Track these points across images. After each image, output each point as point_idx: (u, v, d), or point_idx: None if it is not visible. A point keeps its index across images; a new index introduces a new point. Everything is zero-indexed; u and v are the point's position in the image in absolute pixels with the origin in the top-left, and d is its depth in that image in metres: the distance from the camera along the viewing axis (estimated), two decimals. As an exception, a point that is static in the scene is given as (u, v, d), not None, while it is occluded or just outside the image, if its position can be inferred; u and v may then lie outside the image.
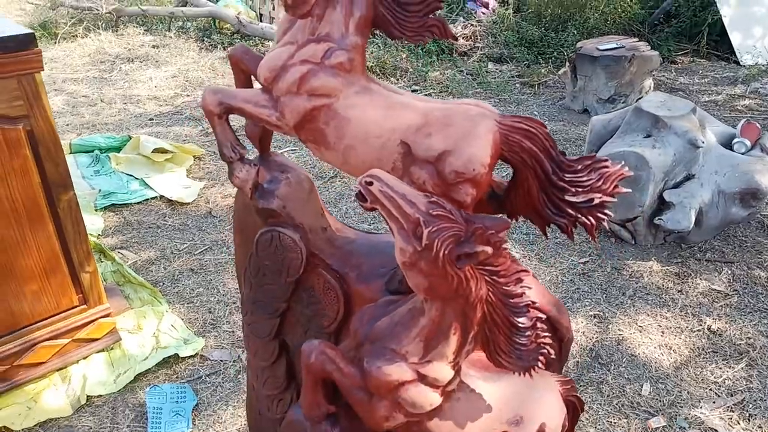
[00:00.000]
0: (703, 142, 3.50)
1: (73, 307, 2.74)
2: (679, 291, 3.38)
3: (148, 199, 4.33)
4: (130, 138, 4.95)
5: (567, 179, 0.93)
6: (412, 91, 6.34)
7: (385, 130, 0.92)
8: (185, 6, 8.62)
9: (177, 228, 4.03)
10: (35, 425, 2.54)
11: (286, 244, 1.06)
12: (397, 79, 6.59)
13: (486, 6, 8.36)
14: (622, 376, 2.84)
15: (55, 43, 7.88)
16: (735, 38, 6.75)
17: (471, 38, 7.61)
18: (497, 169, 1.02)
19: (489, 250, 0.76)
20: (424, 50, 7.15)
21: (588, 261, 3.65)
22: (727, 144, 3.78)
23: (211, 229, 4.01)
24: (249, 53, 1.13)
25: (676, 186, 3.59)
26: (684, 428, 2.57)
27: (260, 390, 1.21)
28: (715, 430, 2.56)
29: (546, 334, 0.84)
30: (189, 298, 3.34)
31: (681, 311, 3.23)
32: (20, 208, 2.48)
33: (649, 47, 5.78)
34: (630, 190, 0.98)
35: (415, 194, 0.80)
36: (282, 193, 1.07)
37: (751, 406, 2.67)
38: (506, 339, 0.83)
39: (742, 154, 3.70)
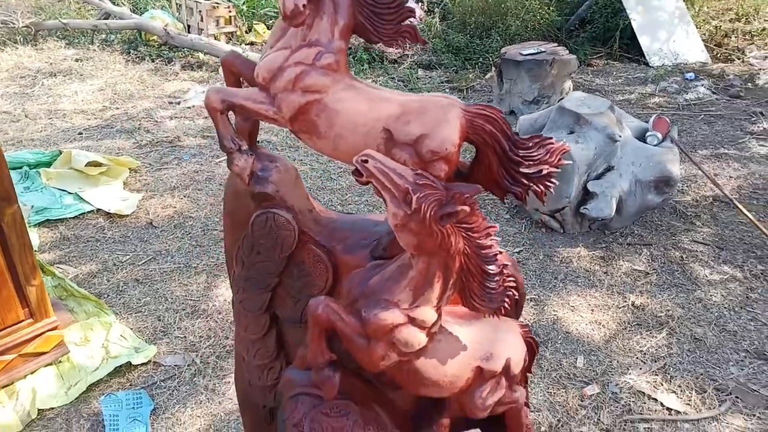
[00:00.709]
0: (620, 136, 3.82)
1: (19, 322, 2.70)
2: (605, 272, 3.66)
3: (84, 213, 4.26)
4: (61, 153, 4.84)
5: (521, 155, 1.10)
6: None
7: (369, 120, 1.08)
8: (108, 18, 8.44)
9: (117, 240, 3.98)
10: (-15, 442, 2.49)
11: (280, 223, 1.19)
12: (331, 87, 6.70)
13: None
14: (558, 351, 3.07)
15: (-31, 58, 7.53)
16: (644, 41, 7.29)
17: (401, 46, 7.85)
18: (461, 153, 1.18)
19: (467, 209, 0.92)
20: (356, 59, 7.33)
21: (522, 250, 3.89)
22: (641, 137, 4.12)
23: (154, 239, 4.00)
24: (239, 58, 1.25)
25: (598, 177, 3.89)
26: (616, 393, 2.81)
27: (251, 361, 1.30)
28: (643, 392, 2.82)
29: (511, 279, 1.00)
30: (136, 308, 3.33)
31: (607, 290, 3.51)
32: (-40, 222, 2.44)
33: (567, 51, 6.17)
34: (568, 162, 1.15)
35: (403, 168, 0.96)
36: (275, 179, 1.19)
37: (672, 369, 2.95)
38: (479, 285, 0.99)
39: (655, 146, 4.05)
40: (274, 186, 1.19)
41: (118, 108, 6.18)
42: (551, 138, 1.11)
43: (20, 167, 4.68)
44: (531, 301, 3.42)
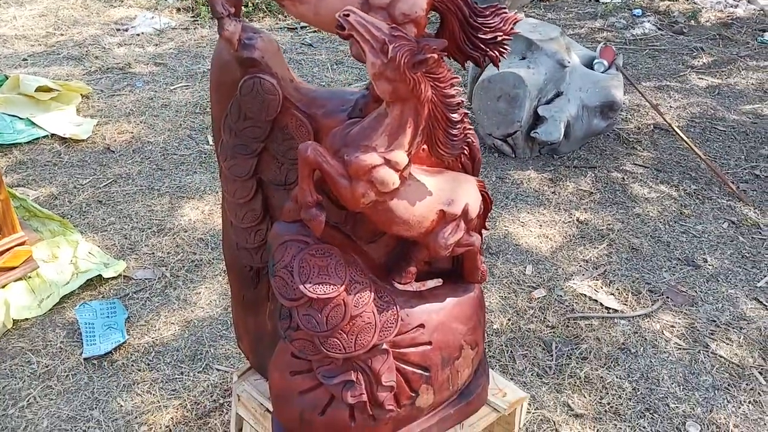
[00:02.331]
0: (569, 62, 4.00)
1: (-14, 236, 2.72)
2: (552, 192, 3.91)
3: (38, 138, 4.18)
4: (7, 77, 4.67)
5: (479, 21, 1.23)
6: (302, 28, 6.43)
7: None
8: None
9: (75, 164, 3.96)
10: (-37, 350, 2.55)
11: (267, 87, 1.29)
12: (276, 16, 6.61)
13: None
14: (509, 261, 3.31)
15: None
16: (592, -22, 7.44)
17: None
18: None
19: (435, 56, 1.05)
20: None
21: (476, 173, 4.08)
22: (589, 65, 4.32)
23: (113, 163, 3.99)
24: None
25: (548, 102, 4.08)
26: (560, 296, 3.09)
27: (238, 225, 1.42)
28: (585, 294, 3.10)
29: (470, 127, 1.15)
30: (101, 227, 3.37)
31: (555, 208, 3.76)
32: None
33: (519, -16, 6.26)
34: (518, 31, 1.29)
35: (380, 23, 1.07)
36: (260, 46, 1.29)
37: (611, 275, 3.24)
38: (444, 132, 1.14)
39: (602, 73, 4.25)
40: (260, 52, 1.29)
41: (63, 34, 5.95)
42: (505, 8, 1.24)
43: (-36, 92, 4.51)
44: (485, 217, 3.64)
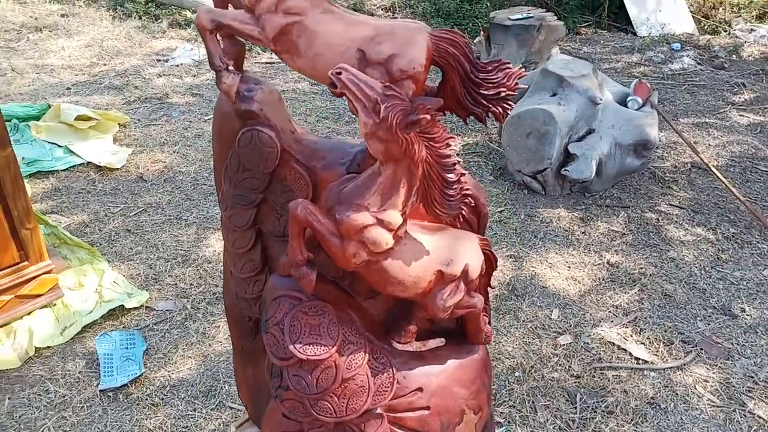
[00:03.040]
0: (601, 99, 3.92)
1: (15, 264, 2.78)
2: (582, 232, 3.80)
3: (74, 166, 4.30)
4: (50, 106, 4.84)
5: (481, 77, 1.19)
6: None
7: (345, 40, 1.18)
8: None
9: (108, 192, 4.05)
10: (-16, 377, 2.59)
11: (264, 140, 1.28)
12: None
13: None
14: (535, 304, 3.21)
15: (-48, 10, 7.41)
16: (632, 11, 7.35)
17: (390, 9, 7.84)
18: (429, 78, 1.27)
19: (428, 117, 1.02)
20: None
21: (504, 210, 4.01)
22: (622, 102, 4.23)
23: (144, 192, 4.06)
24: None
25: (579, 140, 4.00)
26: (587, 343, 2.97)
27: (238, 275, 1.41)
28: (613, 342, 2.98)
29: (468, 187, 1.11)
30: (128, 257, 3.42)
31: (584, 249, 3.65)
32: (-43, 164, 2.50)
33: (556, 18, 6.22)
34: (525, 87, 1.25)
35: (373, 81, 1.05)
36: (259, 98, 1.28)
37: (642, 322, 3.11)
38: (440, 191, 1.10)
39: (635, 110, 4.15)
40: (258, 105, 1.29)
41: (105, 64, 6.16)
42: (509, 63, 1.21)
43: (9, 120, 4.68)
44: (510, 257, 3.56)
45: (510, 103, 1.20)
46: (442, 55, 1.18)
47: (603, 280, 3.41)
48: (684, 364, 2.87)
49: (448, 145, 1.07)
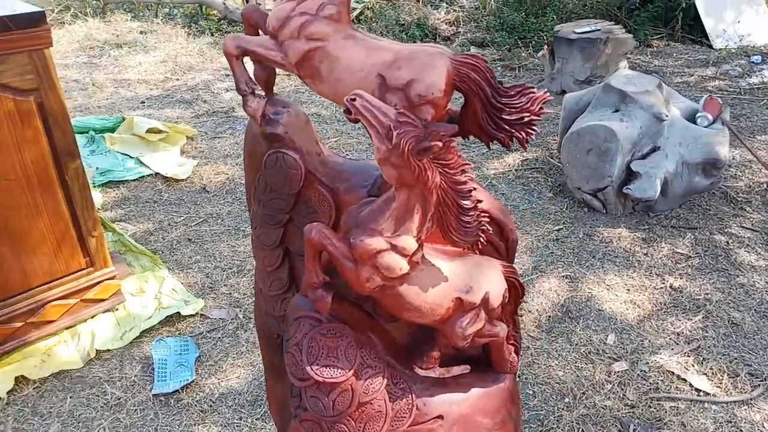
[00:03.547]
0: (667, 116, 3.76)
1: (80, 269, 2.94)
2: (645, 254, 3.64)
3: (143, 177, 4.52)
4: (124, 119, 5.12)
5: (503, 102, 1.17)
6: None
7: (366, 65, 1.18)
8: (172, -7, 8.74)
9: (173, 202, 4.22)
10: (49, 375, 2.74)
11: (289, 162, 1.31)
12: (382, 63, 6.78)
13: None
14: (589, 328, 3.10)
15: (45, 29, 7.97)
16: (708, 23, 7.02)
17: (454, 24, 7.83)
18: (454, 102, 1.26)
19: (440, 144, 1.01)
20: (408, 34, 7.37)
21: (562, 228, 3.90)
22: (691, 118, 4.03)
23: (206, 203, 4.21)
24: (257, 11, 1.37)
25: (643, 157, 3.85)
26: (644, 371, 2.83)
27: (266, 292, 1.44)
28: (672, 371, 2.83)
29: (485, 214, 1.08)
30: (187, 265, 3.55)
31: (646, 271, 3.49)
32: (32, 175, 2.67)
33: (625, 31, 6.03)
34: (549, 112, 1.21)
35: (387, 107, 1.05)
36: (285, 121, 1.31)
37: (705, 351, 2.94)
38: (455, 218, 1.08)
39: (705, 127, 3.96)
40: (284, 128, 1.32)
41: (178, 79, 6.45)
42: (533, 87, 1.17)
43: (86, 132, 4.99)
44: (566, 278, 3.45)
45: (535, 128, 1.17)
46: (463, 79, 1.16)
47: (664, 305, 3.25)
48: (750, 399, 2.69)
49: (464, 172, 1.05)
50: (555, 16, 7.35)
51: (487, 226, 1.09)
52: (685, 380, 2.79)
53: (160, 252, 3.65)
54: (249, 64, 1.36)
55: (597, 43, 5.69)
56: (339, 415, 1.16)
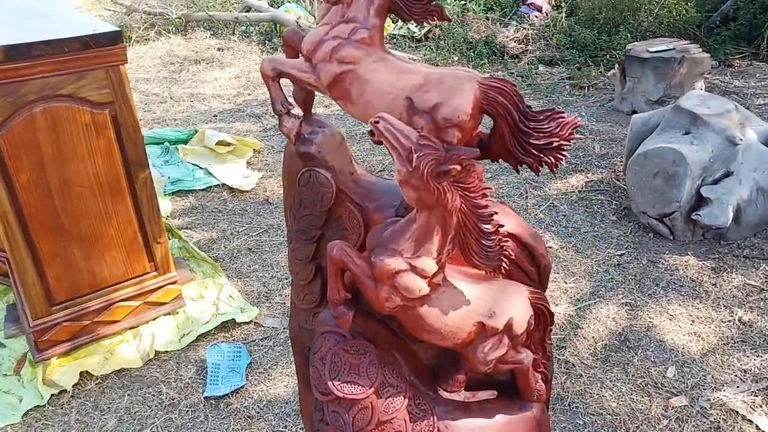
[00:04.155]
0: (741, 140, 3.57)
1: (145, 273, 3.09)
2: (713, 284, 3.46)
3: (211, 187, 4.71)
4: (197, 131, 5.36)
5: (531, 126, 1.16)
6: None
7: (395, 89, 1.21)
8: (249, 12, 9.11)
9: (237, 212, 4.38)
10: (111, 373, 2.89)
11: (321, 180, 1.35)
12: (448, 81, 6.80)
13: (539, 10, 8.48)
14: (648, 359, 2.96)
15: (129, 46, 8.49)
16: (796, 41, 6.64)
17: (523, 42, 7.75)
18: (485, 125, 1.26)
19: (458, 167, 1.01)
20: (476, 53, 7.35)
21: (624, 253, 3.76)
22: (769, 143, 3.82)
23: (267, 214, 4.34)
24: (297, 34, 1.42)
25: (715, 182, 3.67)
26: (705, 408, 2.68)
27: (300, 305, 1.48)
28: (737, 411, 2.66)
29: (512, 239, 1.07)
30: (246, 273, 3.66)
31: (713, 303, 3.31)
32: (104, 183, 2.85)
33: (702, 50, 5.79)
34: (580, 137, 1.18)
35: (409, 130, 1.06)
36: (318, 141, 1.36)
37: (775, 391, 2.75)
38: (476, 242, 1.08)
39: (785, 152, 3.73)
40: (317, 147, 1.36)
41: (249, 94, 6.70)
42: (562, 111, 1.15)
43: (162, 143, 5.26)
44: (626, 305, 3.32)
45: (564, 153, 1.15)
46: (491, 103, 1.16)
47: (732, 339, 3.07)
48: (824, 447, 2.50)
49: (485, 196, 1.05)
50: (629, 35, 7.14)
51: (510, 251, 1.08)
52: (750, 421, 2.62)
53: (221, 260, 3.79)
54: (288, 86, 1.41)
55: (671, 62, 5.49)
56: (358, 431, 1.17)
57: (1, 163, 2.57)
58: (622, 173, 4.50)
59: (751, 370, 2.88)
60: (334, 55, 1.27)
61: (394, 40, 8.27)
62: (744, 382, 2.82)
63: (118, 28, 2.76)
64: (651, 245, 3.84)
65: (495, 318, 1.16)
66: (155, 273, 3.13)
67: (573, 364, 2.94)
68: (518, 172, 1.26)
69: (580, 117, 5.83)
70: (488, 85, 1.17)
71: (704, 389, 2.78)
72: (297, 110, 1.53)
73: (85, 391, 2.81)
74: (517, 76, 6.88)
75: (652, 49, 5.63)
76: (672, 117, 3.81)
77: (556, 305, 3.34)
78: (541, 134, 1.14)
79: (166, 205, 4.37)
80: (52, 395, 2.76)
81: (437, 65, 7.02)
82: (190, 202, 4.52)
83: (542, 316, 1.26)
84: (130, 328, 3.08)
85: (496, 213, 1.05)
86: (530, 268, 1.27)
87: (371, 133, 1.08)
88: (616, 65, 6.09)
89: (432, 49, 7.62)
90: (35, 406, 2.71)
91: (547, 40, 7.63)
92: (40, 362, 2.84)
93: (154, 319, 3.15)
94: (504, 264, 1.09)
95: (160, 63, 7.90)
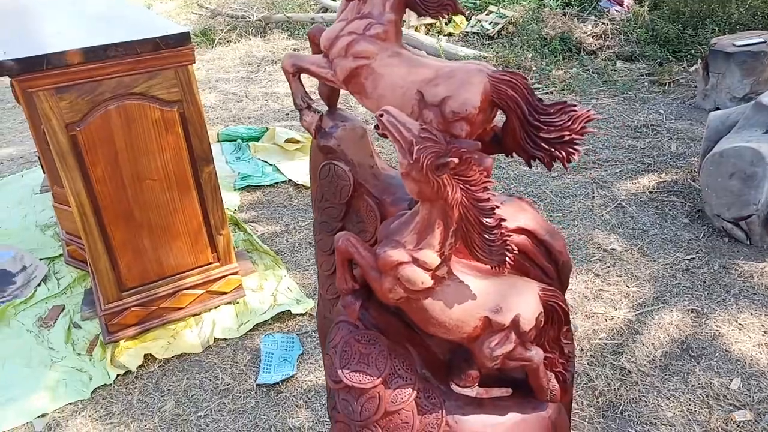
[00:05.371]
0: (830, 139, 3.30)
1: (208, 264, 3.25)
2: (792, 294, 3.23)
3: (278, 182, 4.87)
4: (268, 129, 5.55)
5: (542, 120, 1.13)
6: (534, 89, 6.41)
7: (407, 83, 1.22)
8: (326, 12, 9.31)
9: (300, 208, 4.50)
10: (173, 357, 3.06)
11: (339, 173, 1.39)
12: (519, 78, 6.67)
13: (620, 4, 8.15)
14: (711, 369, 2.81)
15: (212, 47, 8.89)
16: None
17: (601, 37, 7.47)
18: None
19: (455, 160, 1.01)
20: (550, 49, 7.17)
21: (695, 258, 3.58)
22: None
23: (330, 210, 4.43)
24: (321, 31, 1.45)
25: (798, 185, 3.41)
26: (772, 425, 2.52)
27: (324, 296, 1.52)
28: (808, 430, 2.48)
29: (510, 233, 1.05)
30: (305, 266, 3.77)
31: (791, 313, 3.09)
32: (172, 177, 3.02)
33: (796, 42, 5.38)
34: (594, 130, 1.14)
35: (412, 123, 1.07)
36: (338, 135, 1.39)
37: None
38: (479, 236, 1.07)
39: None
40: (336, 141, 1.38)
41: (320, 92, 6.85)
42: (575, 104, 1.11)
43: (235, 140, 5.49)
44: (692, 312, 3.16)
45: (577, 147, 1.12)
46: (501, 97, 1.15)
47: (809, 353, 2.85)
48: None
49: (486, 189, 1.04)
50: (716, 28, 6.74)
51: (513, 246, 1.06)
52: (824, 442, 2.44)
53: (283, 253, 3.92)
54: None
55: (760, 56, 5.15)
56: (366, 420, 1.19)
57: (79, 157, 2.78)
58: (698, 174, 4.26)
59: (829, 387, 2.67)
60: (350, 50, 1.30)
61: (467, 37, 8.21)
62: (820, 400, 2.62)
63: (186, 30, 2.91)
64: (725, 250, 3.62)
65: (501, 313, 1.15)
66: (218, 263, 3.28)
67: (629, 371, 2.83)
68: (530, 166, 1.24)
69: (658, 114, 5.57)
70: (498, 78, 1.16)
71: (773, 405, 2.61)
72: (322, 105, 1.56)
73: (149, 372, 2.99)
74: (592, 72, 6.66)
75: (738, 43, 5.29)
76: (752, 114, 3.58)
77: (616, 309, 3.22)
78: (552, 128, 1.12)
79: (234, 200, 4.56)
80: (118, 375, 2.95)
81: (509, 63, 6.91)
82: (257, 196, 4.69)
83: (555, 314, 1.24)
84: (193, 315, 3.25)
85: (497, 207, 1.05)
86: (547, 264, 1.24)
87: (376, 126, 1.10)
88: (699, 60, 5.77)
89: (505, 46, 7.50)
90: (103, 385, 2.92)
91: (627, 35, 7.32)
92: (109, 344, 3.06)
93: (215, 308, 3.31)
94: (508, 259, 1.08)
95: (240, 63, 8.22)
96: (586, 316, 3.20)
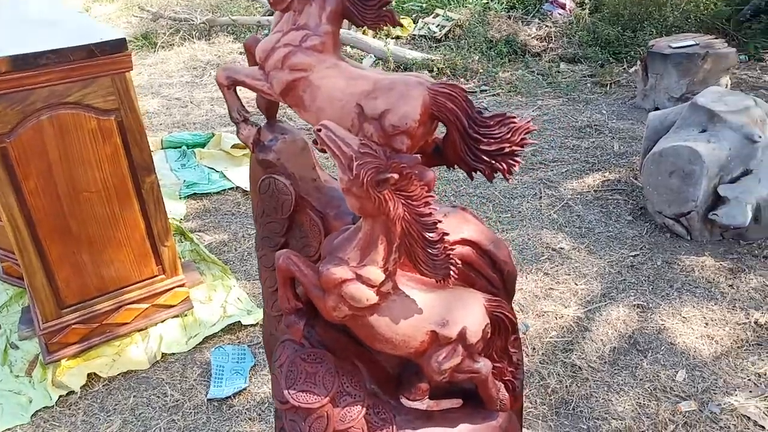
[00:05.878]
0: (760, 137, 3.45)
1: (153, 276, 3.14)
2: (729, 286, 3.35)
3: (225, 190, 4.76)
4: (214, 135, 5.43)
5: (481, 132, 1.13)
6: (481, 91, 6.49)
7: (345, 95, 1.20)
8: (272, 16, 9.19)
9: (249, 215, 4.41)
10: (118, 374, 2.95)
11: (280, 187, 1.35)
12: (467, 80, 6.75)
13: (563, 7, 8.34)
14: (658, 362, 2.89)
15: (155, 51, 8.65)
16: (829, 33, 6.39)
17: (545, 39, 7.63)
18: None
19: (396, 176, 1.00)
20: (496, 52, 7.27)
21: (638, 254, 3.68)
22: (793, 139, 3.68)
23: (280, 216, 4.36)
24: (257, 41, 1.41)
25: (732, 181, 3.56)
26: (715, 414, 2.60)
27: (269, 312, 1.48)
28: (748, 417, 2.57)
29: (453, 248, 1.05)
30: (254, 276, 3.68)
31: (729, 305, 3.21)
32: (111, 188, 2.90)
33: (727, 45, 5.62)
34: (534, 142, 1.15)
35: (351, 138, 1.05)
36: (277, 148, 1.35)
37: (790, 398, 2.65)
38: (422, 250, 1.06)
39: (808, 149, 3.59)
40: (276, 154, 1.35)
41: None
42: (514, 117, 1.12)
43: (180, 146, 5.34)
44: (637, 307, 3.25)
45: (517, 159, 1.12)
46: (441, 109, 1.14)
47: (747, 342, 2.97)
48: (842, 457, 2.40)
49: (427, 204, 1.03)
50: (654, 30, 6.98)
51: (456, 259, 1.05)
52: (763, 427, 2.54)
53: (231, 262, 3.83)
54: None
55: (695, 58, 5.35)
56: (314, 440, 1.16)
57: (9, 170, 2.64)
58: (639, 172, 4.39)
59: (765, 374, 2.78)
60: (286, 63, 1.26)
61: (415, 40, 8.24)
62: (757, 386, 2.72)
63: (123, 36, 2.80)
64: (667, 246, 3.74)
65: (448, 327, 1.14)
66: (163, 276, 3.17)
67: (580, 368, 2.88)
68: (472, 178, 1.23)
69: (601, 114, 5.72)
70: (437, 90, 1.15)
71: (715, 394, 2.70)
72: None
73: (93, 392, 2.87)
74: (537, 74, 6.79)
75: (674, 45, 5.49)
76: (688, 114, 3.71)
77: (566, 307, 3.28)
78: (492, 140, 1.12)
79: (180, 208, 4.43)
80: (60, 396, 2.82)
81: (456, 65, 6.97)
82: (204, 205, 4.58)
83: (502, 324, 1.23)
84: (139, 331, 3.13)
85: (440, 221, 1.03)
86: (492, 275, 1.24)
87: (314, 141, 1.07)
88: (638, 62, 5.96)
89: (452, 49, 7.56)
90: (44, 407, 2.78)
91: (570, 38, 7.50)
92: (50, 364, 2.91)
93: (162, 321, 3.20)
94: (452, 272, 1.07)
95: (184, 67, 8.02)
96: (537, 315, 3.24)
